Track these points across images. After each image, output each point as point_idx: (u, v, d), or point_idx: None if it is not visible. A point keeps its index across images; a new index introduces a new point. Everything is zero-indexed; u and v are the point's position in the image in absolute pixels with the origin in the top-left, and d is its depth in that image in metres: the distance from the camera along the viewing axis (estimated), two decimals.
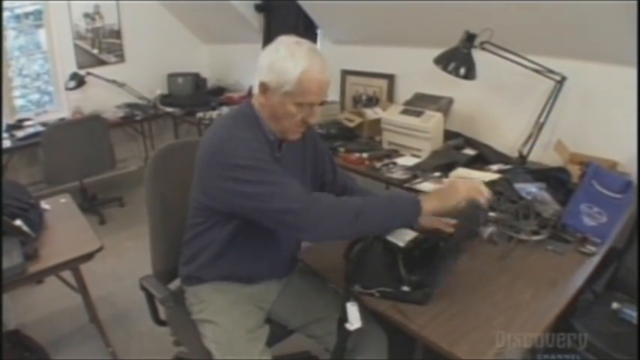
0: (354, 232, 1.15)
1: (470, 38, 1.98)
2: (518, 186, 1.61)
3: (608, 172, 1.68)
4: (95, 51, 4.10)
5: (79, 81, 3.78)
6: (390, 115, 2.46)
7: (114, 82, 3.95)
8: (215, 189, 1.18)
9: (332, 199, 1.14)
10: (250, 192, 1.10)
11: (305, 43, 1.19)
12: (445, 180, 1.38)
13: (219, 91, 4.36)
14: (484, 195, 1.17)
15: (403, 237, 1.22)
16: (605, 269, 1.60)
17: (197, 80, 4.34)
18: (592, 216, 1.49)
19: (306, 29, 3.29)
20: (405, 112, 2.41)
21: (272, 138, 1.26)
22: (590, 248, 1.41)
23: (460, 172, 2.02)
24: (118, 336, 2.18)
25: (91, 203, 3.64)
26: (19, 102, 3.91)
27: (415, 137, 2.32)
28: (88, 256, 1.67)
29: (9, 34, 3.70)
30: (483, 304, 1.16)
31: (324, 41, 3.32)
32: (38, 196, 2.12)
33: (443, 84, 2.47)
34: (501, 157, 2.18)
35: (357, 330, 1.17)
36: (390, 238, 1.21)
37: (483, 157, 2.21)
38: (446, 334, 1.06)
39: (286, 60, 1.13)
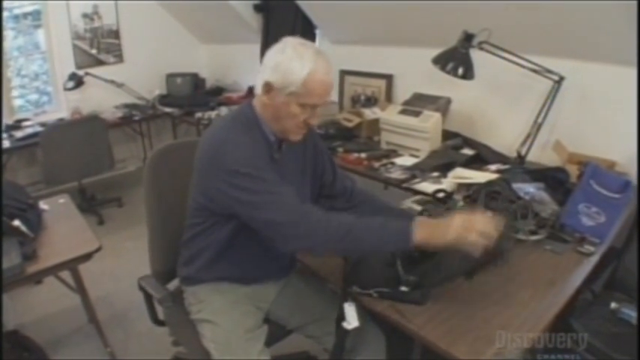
0: (341, 248, 1.14)
1: (468, 38, 1.98)
2: (516, 186, 1.61)
3: (607, 172, 1.68)
4: (94, 51, 4.10)
5: (77, 81, 3.78)
6: (389, 115, 2.46)
7: (112, 82, 3.95)
8: (213, 190, 1.19)
9: (323, 214, 1.14)
10: (245, 200, 1.12)
11: (311, 44, 1.20)
12: (451, 212, 1.26)
13: (218, 91, 4.35)
14: (476, 241, 1.04)
15: None
16: (603, 269, 1.60)
17: (196, 80, 4.34)
18: (590, 216, 1.49)
19: (305, 29, 3.28)
20: (403, 112, 2.41)
21: (272, 139, 1.26)
22: (589, 248, 1.41)
23: (459, 171, 2.02)
24: (117, 336, 2.18)
25: (90, 203, 3.63)
26: (17, 102, 3.91)
27: (414, 137, 2.32)
28: (87, 257, 1.67)
29: (8, 34, 3.70)
30: (482, 304, 1.16)
31: (323, 41, 3.32)
32: (37, 196, 2.12)
33: (441, 84, 2.47)
34: (500, 157, 2.18)
35: (356, 330, 1.18)
36: None
37: (482, 157, 2.21)
38: (444, 334, 1.06)
39: (293, 61, 1.14)
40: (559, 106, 2.05)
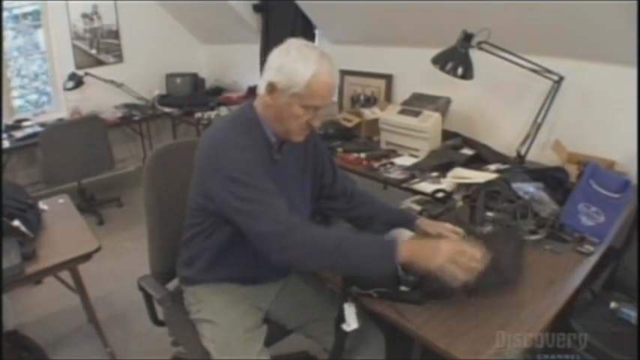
0: (330, 263, 1.12)
1: (467, 38, 1.98)
2: (516, 186, 1.61)
3: (606, 172, 1.68)
4: (93, 51, 4.10)
5: (77, 81, 3.78)
6: (388, 115, 2.46)
7: (112, 82, 3.94)
8: (211, 192, 1.19)
9: (314, 227, 1.14)
10: (238, 207, 1.12)
11: (315, 46, 1.21)
12: (437, 234, 1.25)
13: (218, 91, 4.35)
14: (456, 274, 1.03)
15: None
16: (603, 269, 1.59)
17: (195, 80, 4.33)
18: (590, 215, 1.49)
19: (304, 29, 3.28)
20: (403, 112, 2.41)
21: (273, 140, 1.26)
22: (588, 248, 1.41)
23: (458, 171, 2.02)
24: (116, 336, 2.18)
25: (90, 203, 3.63)
26: (17, 102, 3.91)
27: (413, 137, 2.32)
28: (86, 257, 1.67)
29: (7, 34, 3.70)
30: (481, 304, 1.15)
31: (322, 41, 3.32)
32: (36, 196, 2.12)
33: (441, 84, 2.47)
34: (499, 157, 2.18)
35: (355, 330, 1.18)
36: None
37: (481, 157, 2.21)
38: (443, 334, 1.06)
39: (297, 62, 1.14)
40: (559, 105, 2.05)
